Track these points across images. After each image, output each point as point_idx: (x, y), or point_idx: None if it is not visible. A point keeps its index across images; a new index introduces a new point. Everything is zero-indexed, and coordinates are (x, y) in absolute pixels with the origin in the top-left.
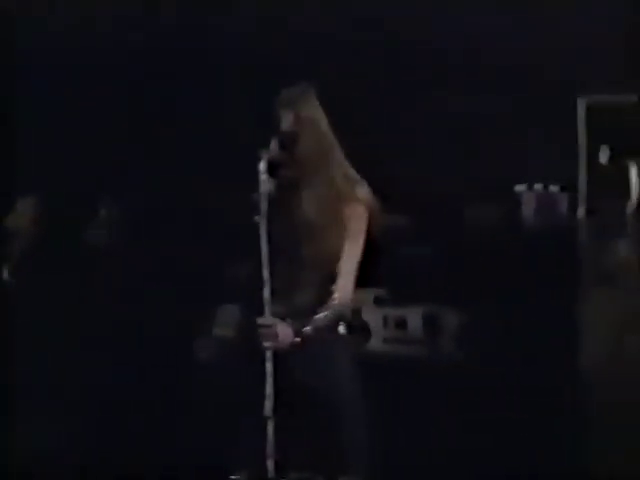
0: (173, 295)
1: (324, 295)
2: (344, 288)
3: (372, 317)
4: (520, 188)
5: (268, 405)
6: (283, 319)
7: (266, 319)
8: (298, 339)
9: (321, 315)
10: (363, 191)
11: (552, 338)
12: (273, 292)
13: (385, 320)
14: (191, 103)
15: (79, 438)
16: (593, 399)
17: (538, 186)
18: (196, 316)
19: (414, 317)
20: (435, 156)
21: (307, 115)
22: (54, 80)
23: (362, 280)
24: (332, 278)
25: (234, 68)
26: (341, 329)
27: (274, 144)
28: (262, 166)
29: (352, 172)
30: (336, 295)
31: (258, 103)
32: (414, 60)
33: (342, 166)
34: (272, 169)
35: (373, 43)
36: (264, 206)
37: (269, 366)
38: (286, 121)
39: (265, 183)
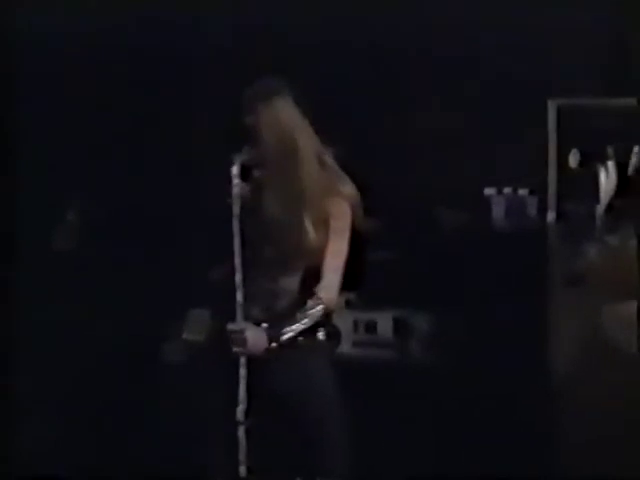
0: (142, 300)
1: (304, 298)
2: (329, 288)
3: (342, 321)
4: (489, 191)
5: (240, 410)
6: (258, 324)
7: (236, 324)
8: (274, 345)
9: (303, 319)
10: (346, 187)
11: (521, 341)
12: (249, 296)
13: (355, 324)
14: (163, 105)
15: (41, 444)
16: (564, 402)
17: (507, 190)
18: (166, 321)
19: (384, 321)
20: (404, 159)
21: (274, 110)
22: (24, 79)
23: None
24: (313, 279)
25: (208, 67)
26: (320, 335)
27: (246, 149)
28: (235, 169)
29: (334, 168)
30: (321, 295)
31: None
32: (381, 63)
33: (318, 163)
34: (245, 172)
35: (341, 44)
36: (237, 209)
37: (242, 371)
38: (251, 115)
39: (238, 187)
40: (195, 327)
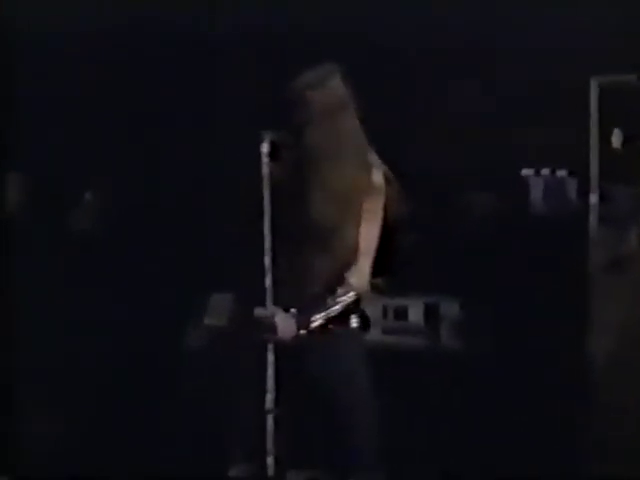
0: (160, 283)
1: (334, 284)
2: (360, 274)
3: (371, 307)
4: (526, 172)
5: (269, 398)
6: (287, 310)
7: (265, 310)
8: (303, 331)
9: (334, 306)
10: (381, 172)
11: (558, 328)
12: (277, 281)
13: (385, 310)
14: (182, 86)
15: (67, 430)
16: (601, 391)
17: (545, 170)
18: (188, 305)
19: (415, 307)
20: (436, 139)
21: (332, 98)
22: (42, 64)
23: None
24: (344, 265)
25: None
26: (353, 321)
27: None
28: (265, 147)
29: (372, 155)
30: (352, 281)
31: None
32: (417, 43)
33: (361, 151)
34: (275, 151)
35: (374, 26)
36: (266, 190)
37: (270, 357)
38: (309, 103)
39: (267, 166)
40: (217, 311)
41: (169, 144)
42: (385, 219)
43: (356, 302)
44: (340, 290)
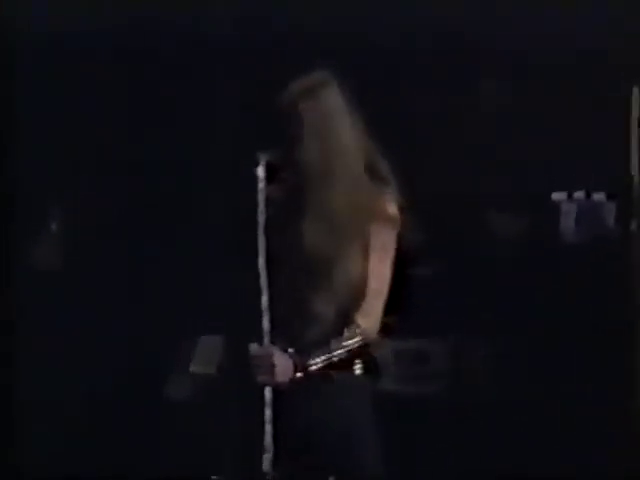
0: (141, 324)
1: (340, 326)
2: (370, 315)
3: (381, 350)
4: (558, 196)
5: (267, 458)
6: (284, 350)
7: (261, 348)
8: (300, 375)
9: (338, 350)
10: (393, 202)
11: (600, 373)
12: (274, 322)
13: (397, 354)
14: (159, 102)
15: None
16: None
17: (579, 194)
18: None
19: (434, 350)
20: (457, 157)
21: (326, 108)
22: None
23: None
24: (348, 302)
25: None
26: (357, 369)
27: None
28: (260, 171)
29: (386, 178)
30: (360, 323)
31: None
32: (444, 53)
33: (367, 171)
34: (272, 174)
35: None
36: (262, 218)
37: (268, 412)
38: (302, 116)
39: (263, 192)
40: (206, 357)
41: (153, 176)
42: (398, 253)
43: (365, 345)
44: (347, 332)
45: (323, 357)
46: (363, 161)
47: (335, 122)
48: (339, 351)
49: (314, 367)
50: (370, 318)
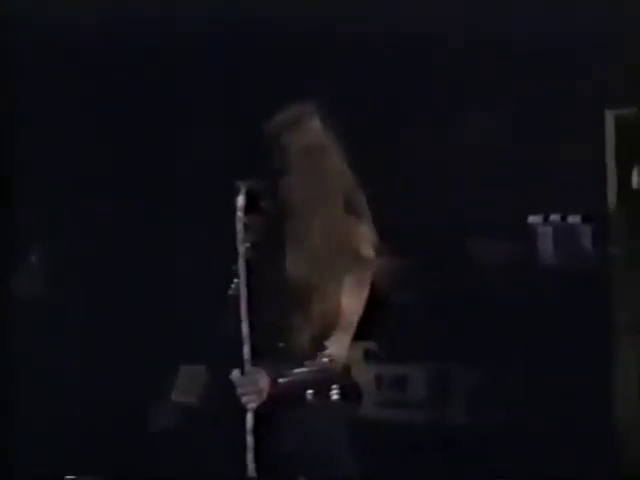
0: (123, 354)
1: (314, 348)
2: (339, 346)
3: (362, 376)
4: (534, 220)
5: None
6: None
7: (247, 376)
8: (271, 390)
9: (304, 369)
10: (368, 240)
11: (581, 399)
12: (253, 354)
13: (379, 380)
14: (140, 135)
15: None
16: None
17: (555, 216)
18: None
19: (415, 376)
20: (431, 183)
21: (309, 140)
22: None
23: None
24: (324, 328)
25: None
26: (334, 394)
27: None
28: (240, 201)
29: (362, 213)
30: (328, 351)
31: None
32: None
33: (345, 205)
34: (252, 203)
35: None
36: (242, 249)
37: (249, 440)
38: (282, 150)
39: (241, 222)
40: (187, 386)
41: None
42: (373, 289)
43: (330, 369)
44: (319, 357)
45: (291, 374)
46: (342, 194)
47: (317, 154)
48: (304, 369)
49: (281, 381)
50: (338, 347)
